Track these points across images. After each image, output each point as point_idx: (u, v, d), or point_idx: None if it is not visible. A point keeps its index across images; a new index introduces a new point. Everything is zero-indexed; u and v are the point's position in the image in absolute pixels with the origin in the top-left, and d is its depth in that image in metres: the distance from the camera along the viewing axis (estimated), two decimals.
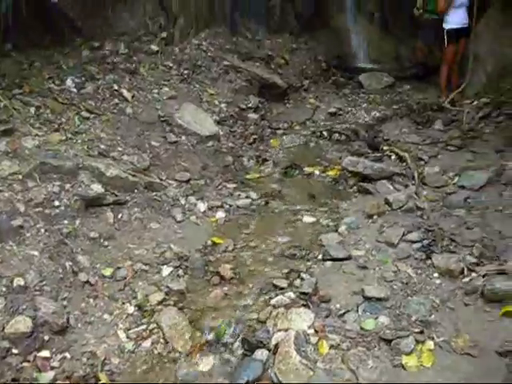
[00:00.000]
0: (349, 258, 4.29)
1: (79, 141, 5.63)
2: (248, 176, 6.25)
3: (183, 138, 6.42)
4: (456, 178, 5.60)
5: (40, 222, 4.37)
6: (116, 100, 6.64)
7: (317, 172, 6.26)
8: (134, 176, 5.29)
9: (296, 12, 11.39)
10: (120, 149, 5.81)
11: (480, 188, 5.29)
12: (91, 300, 3.98)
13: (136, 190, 5.24)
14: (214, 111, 7.24)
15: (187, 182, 5.77)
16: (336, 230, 4.79)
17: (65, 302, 3.86)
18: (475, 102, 7.89)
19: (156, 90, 7.15)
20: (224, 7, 9.73)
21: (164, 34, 8.40)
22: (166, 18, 8.63)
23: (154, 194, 5.34)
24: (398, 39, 12.63)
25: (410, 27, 12.59)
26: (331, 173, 6.18)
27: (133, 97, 6.82)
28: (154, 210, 5.12)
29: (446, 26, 8.60)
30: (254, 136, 7.18)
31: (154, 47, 8.07)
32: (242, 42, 9.52)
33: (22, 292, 3.71)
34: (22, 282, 3.77)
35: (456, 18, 8.57)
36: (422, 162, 6.16)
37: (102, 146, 5.70)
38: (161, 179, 5.62)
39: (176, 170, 5.90)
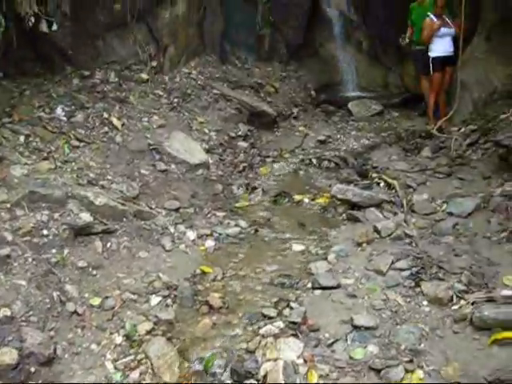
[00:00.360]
0: (338, 286, 4.28)
1: (68, 169, 5.63)
2: (237, 204, 6.26)
3: (173, 166, 6.43)
4: (444, 205, 5.63)
5: (28, 251, 4.34)
6: (106, 128, 6.65)
7: (306, 200, 6.28)
8: (123, 204, 5.28)
9: (285, 41, 11.52)
10: (109, 177, 5.82)
11: (468, 215, 5.32)
12: (79, 330, 3.94)
13: (125, 219, 5.22)
14: (203, 139, 7.28)
15: (176, 210, 5.76)
16: (325, 258, 4.78)
17: (52, 333, 3.81)
18: (463, 129, 7.97)
19: (146, 119, 7.18)
20: (214, 36, 9.84)
21: (154, 63, 8.45)
22: (156, 47, 8.68)
23: (143, 222, 5.31)
24: (386, 67, 12.79)
25: (397, 55, 12.76)
26: (320, 200, 6.20)
27: (123, 125, 6.84)
28: (142, 239, 5.10)
29: (432, 54, 8.78)
30: (244, 164, 7.21)
31: (144, 76, 8.11)
32: (232, 71, 9.63)
33: (8, 322, 3.66)
34: (8, 313, 3.73)
35: (441, 47, 8.75)
36: (411, 190, 6.20)
37: (92, 175, 5.70)
38: (150, 208, 5.61)
39: (165, 199, 5.89)
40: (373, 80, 12.77)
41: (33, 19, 5.86)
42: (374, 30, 12.91)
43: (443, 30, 8.69)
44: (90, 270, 4.55)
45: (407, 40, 9.49)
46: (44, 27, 6.19)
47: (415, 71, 10.01)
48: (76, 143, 6.14)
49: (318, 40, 12.63)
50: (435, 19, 8.70)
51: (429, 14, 8.77)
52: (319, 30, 12.68)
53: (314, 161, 7.51)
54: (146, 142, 6.64)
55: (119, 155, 6.29)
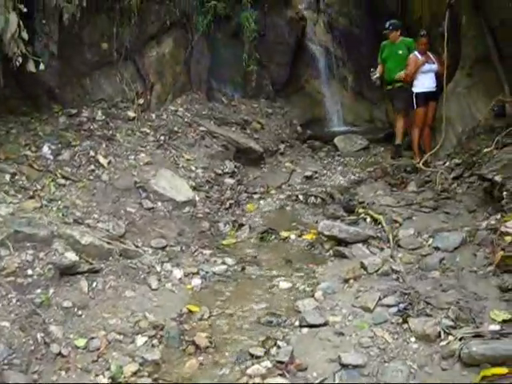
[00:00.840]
0: (325, 324, 4.25)
1: (54, 208, 5.61)
2: (224, 241, 6.24)
3: (159, 204, 6.42)
4: (431, 240, 5.65)
5: (12, 291, 4.28)
6: (92, 166, 6.65)
7: (293, 236, 6.28)
8: (108, 243, 5.25)
9: (271, 77, 11.64)
10: (95, 216, 5.79)
11: (454, 249, 5.33)
12: (63, 372, 3.85)
13: (111, 258, 5.19)
14: (190, 177, 7.28)
15: (163, 248, 5.73)
16: (312, 296, 4.76)
17: (35, 376, 3.73)
18: (447, 163, 8.05)
19: (132, 156, 7.19)
20: (200, 74, 9.94)
21: (141, 101, 8.50)
22: (143, 85, 8.73)
23: (129, 261, 5.28)
24: (371, 102, 12.95)
25: (382, 90, 12.92)
26: (307, 237, 6.20)
27: (109, 163, 6.84)
28: (128, 278, 5.05)
29: (415, 89, 8.97)
30: (231, 201, 7.21)
31: (131, 114, 8.15)
32: (218, 108, 9.70)
33: None
34: None
35: (424, 83, 8.91)
36: (397, 225, 6.23)
37: (78, 213, 5.68)
38: (136, 246, 5.59)
39: (152, 237, 5.87)
40: (358, 115, 12.93)
41: (20, 59, 5.87)
42: (358, 66, 13.12)
43: (427, 66, 8.89)
44: (75, 310, 4.48)
45: (377, 74, 9.64)
46: (31, 67, 6.19)
47: (393, 108, 10.09)
48: (62, 181, 6.13)
49: (304, 76, 12.80)
50: (420, 56, 8.90)
51: (415, 52, 8.98)
52: (304, 66, 12.87)
53: (301, 197, 7.53)
54: (133, 179, 6.64)
55: (106, 193, 6.27)
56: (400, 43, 9.53)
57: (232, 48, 10.76)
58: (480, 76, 8.48)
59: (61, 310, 4.41)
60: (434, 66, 8.99)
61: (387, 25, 9.58)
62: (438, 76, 8.93)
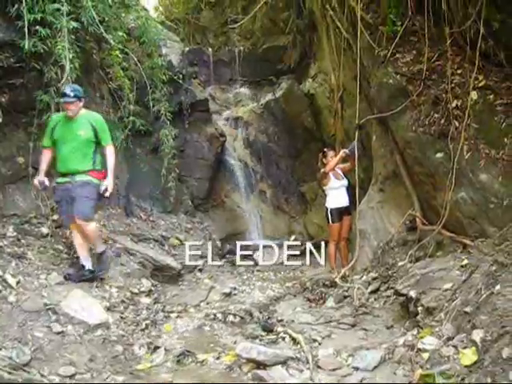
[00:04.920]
0: None
1: None
2: (139, 366, 5.91)
3: (69, 327, 6.07)
4: (350, 359, 5.58)
5: None
6: None
7: (211, 359, 6.04)
8: (10, 373, 4.86)
9: (190, 192, 11.78)
10: None
11: (374, 368, 5.27)
12: None
13: None
14: (104, 297, 7.00)
15: (71, 376, 5.33)
16: None
17: None
18: (364, 277, 8.21)
19: (44, 276, 6.88)
20: (119, 189, 9.88)
21: (55, 216, 8.28)
22: None
23: None
24: (289, 216, 13.25)
25: (300, 204, 13.31)
26: (226, 359, 5.99)
27: (18, 283, 6.49)
28: None
29: (329, 205, 9.23)
30: (147, 321, 6.94)
31: (45, 230, 7.90)
32: (136, 224, 9.62)
33: None
34: None
35: (337, 199, 9.23)
36: (316, 344, 6.15)
37: None
38: (42, 375, 5.18)
39: (60, 364, 5.47)
40: (277, 228, 13.17)
41: None
42: (276, 180, 13.54)
43: (338, 182, 9.23)
44: None
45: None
46: None
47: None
48: None
49: (223, 191, 13.07)
50: (333, 177, 9.25)
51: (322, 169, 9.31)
52: (224, 181, 13.18)
53: (219, 315, 7.37)
54: (42, 301, 6.29)
55: (11, 316, 5.88)
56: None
57: (151, 163, 10.90)
58: (391, 191, 8.90)
59: None
60: (345, 182, 9.38)
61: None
62: (350, 190, 9.31)
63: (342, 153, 9.13)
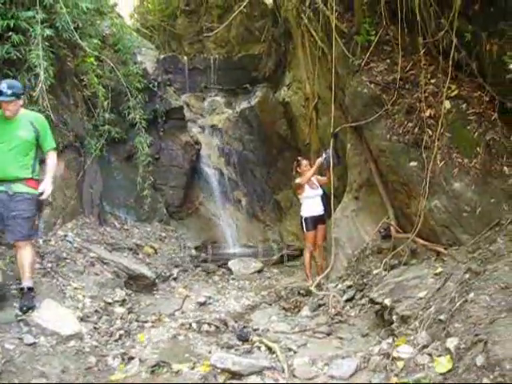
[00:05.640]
0: None
1: None
2: (112, 377, 5.82)
3: (42, 338, 5.96)
4: (326, 368, 5.56)
5: None
6: None
7: (185, 369, 5.96)
8: None
9: (165, 200, 11.71)
10: None
11: (350, 376, 5.25)
12: None
13: None
14: (77, 307, 6.88)
15: None
16: None
17: None
18: (339, 285, 8.22)
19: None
20: (93, 198, 9.81)
21: None
22: None
23: None
24: (264, 224, 13.25)
25: (275, 212, 13.31)
26: (201, 369, 5.92)
27: None
28: None
29: (304, 214, 9.27)
30: (120, 331, 6.84)
31: None
32: (111, 232, 9.51)
33: None
34: None
35: (312, 207, 9.27)
36: (292, 353, 6.12)
37: None
38: None
39: (32, 376, 5.36)
40: (252, 236, 13.15)
41: None
42: (251, 188, 13.53)
43: (312, 191, 9.28)
44: None
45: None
46: None
47: None
48: None
49: (198, 199, 13.02)
50: (308, 187, 9.29)
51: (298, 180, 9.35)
52: (199, 189, 13.14)
53: (194, 325, 7.30)
54: (14, 312, 6.20)
55: None
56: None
57: (126, 171, 10.81)
58: (366, 199, 8.95)
59: None
60: (320, 191, 9.42)
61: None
62: (325, 199, 9.35)
63: (317, 163, 9.18)
